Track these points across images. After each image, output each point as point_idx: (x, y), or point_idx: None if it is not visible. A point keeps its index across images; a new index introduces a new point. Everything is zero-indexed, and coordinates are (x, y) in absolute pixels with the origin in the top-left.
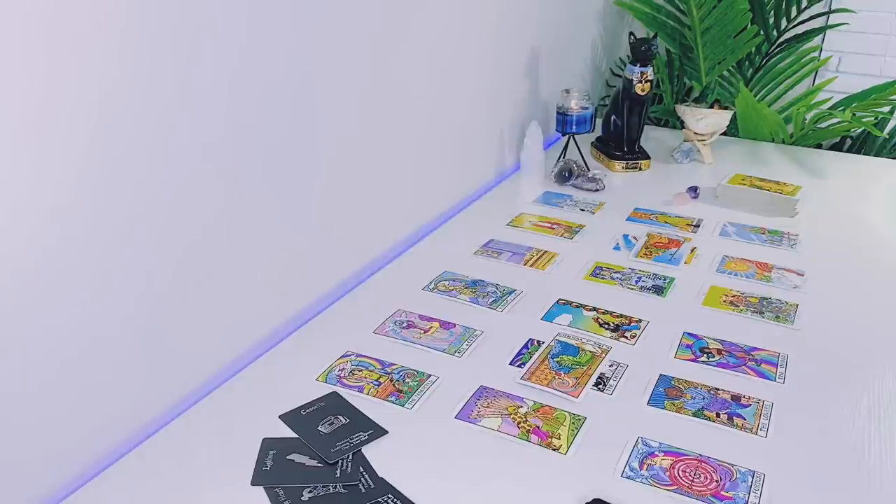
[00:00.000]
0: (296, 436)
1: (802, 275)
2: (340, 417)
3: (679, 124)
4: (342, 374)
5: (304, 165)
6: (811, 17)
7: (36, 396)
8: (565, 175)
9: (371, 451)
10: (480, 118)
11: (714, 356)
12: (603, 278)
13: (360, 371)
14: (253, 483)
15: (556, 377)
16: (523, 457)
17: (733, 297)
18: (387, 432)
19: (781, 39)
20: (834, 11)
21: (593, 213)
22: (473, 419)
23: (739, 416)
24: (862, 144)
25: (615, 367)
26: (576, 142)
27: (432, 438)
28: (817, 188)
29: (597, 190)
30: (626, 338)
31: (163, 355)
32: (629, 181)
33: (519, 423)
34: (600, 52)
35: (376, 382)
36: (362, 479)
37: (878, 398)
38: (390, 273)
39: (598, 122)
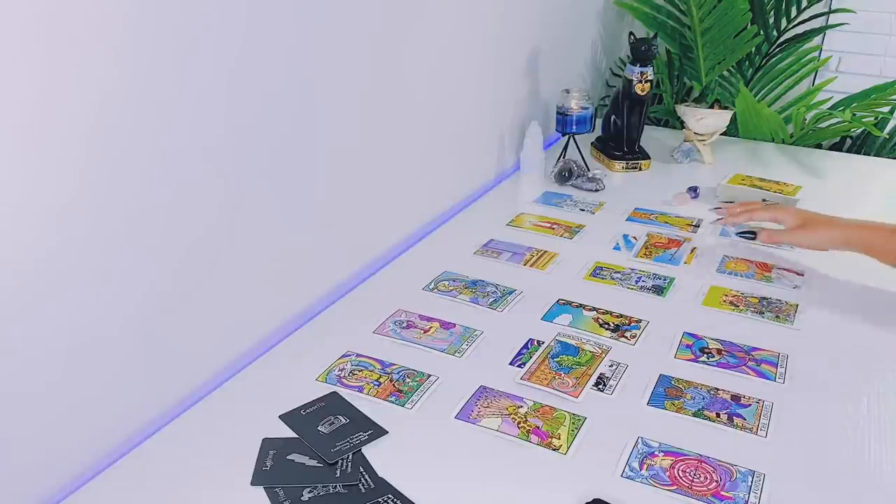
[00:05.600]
0: (296, 436)
1: (802, 275)
2: (340, 417)
3: (679, 124)
4: (342, 374)
5: (305, 165)
6: (811, 17)
7: (36, 396)
8: (565, 175)
9: (371, 451)
10: (480, 118)
11: (714, 356)
12: (603, 278)
13: (360, 371)
14: (253, 483)
15: (556, 377)
16: (523, 457)
17: (733, 297)
18: (387, 432)
19: (781, 39)
20: (834, 11)
21: (593, 213)
22: (473, 419)
23: (739, 416)
24: (862, 144)
25: (615, 367)
26: (576, 142)
27: (432, 438)
28: (817, 188)
29: (597, 190)
30: (626, 338)
31: (163, 355)
32: (629, 181)
33: (519, 423)
34: (600, 52)
35: (376, 382)
36: (362, 479)
37: (878, 398)
38: (390, 273)
39: (598, 122)
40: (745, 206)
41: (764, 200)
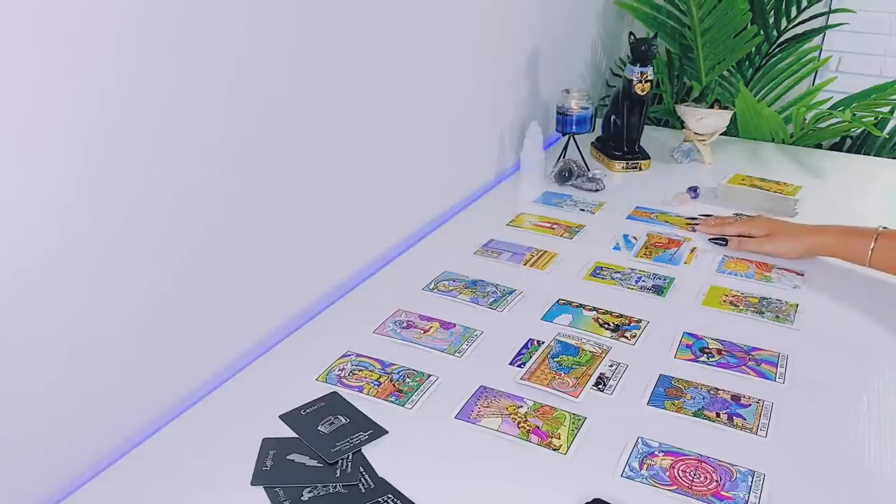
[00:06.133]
0: (296, 436)
1: (802, 275)
2: (340, 417)
3: (679, 124)
4: (342, 374)
5: (305, 165)
6: (811, 17)
7: (36, 396)
8: (565, 175)
9: (371, 451)
10: (481, 118)
11: (714, 356)
12: (603, 278)
13: (360, 371)
14: (253, 483)
15: (556, 377)
16: (523, 457)
17: (733, 297)
18: (387, 432)
19: (781, 39)
20: (834, 11)
21: (593, 213)
22: (473, 419)
23: (739, 416)
24: (862, 144)
25: (615, 367)
26: (576, 142)
27: (432, 438)
28: (817, 188)
29: (597, 190)
30: (626, 338)
31: (163, 355)
32: (629, 181)
33: (519, 423)
34: (600, 52)
35: (376, 382)
36: (362, 479)
37: (878, 398)
38: (390, 273)
39: (598, 122)
40: (719, 220)
41: (737, 215)
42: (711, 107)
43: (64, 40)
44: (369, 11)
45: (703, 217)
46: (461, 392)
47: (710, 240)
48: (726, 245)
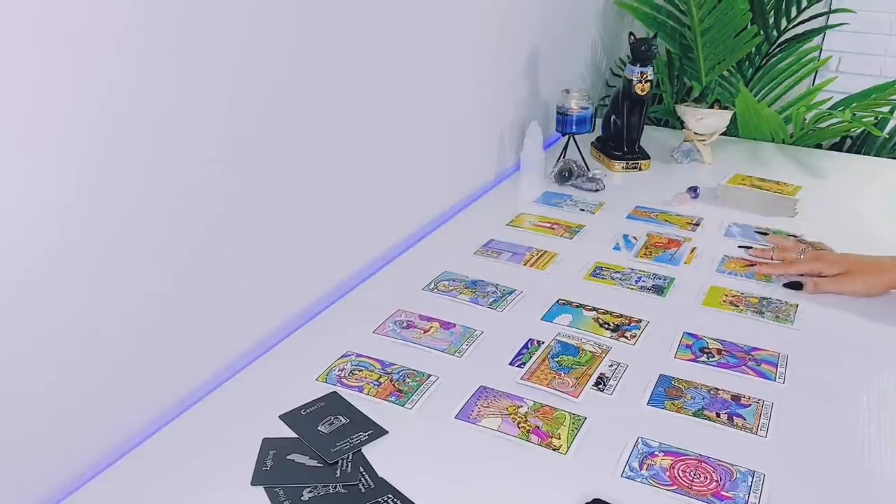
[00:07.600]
0: (296, 436)
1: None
2: (340, 417)
3: (679, 124)
4: (342, 374)
5: (305, 165)
6: (811, 17)
7: (36, 396)
8: (565, 175)
9: (371, 451)
10: (481, 118)
11: (714, 356)
12: (603, 278)
13: (360, 371)
14: (253, 483)
15: (556, 377)
16: (523, 457)
17: (733, 297)
18: (387, 432)
19: (781, 39)
20: (834, 11)
21: (593, 213)
22: (473, 419)
23: (739, 416)
24: (862, 144)
25: (615, 367)
26: (576, 142)
27: (432, 438)
28: (817, 188)
29: (597, 190)
30: (626, 338)
31: (163, 355)
32: (629, 181)
33: (519, 423)
34: (600, 52)
35: (376, 382)
36: (362, 479)
37: (878, 398)
38: (390, 273)
39: (598, 122)
40: (783, 256)
41: (795, 236)
42: (711, 107)
43: (64, 40)
44: (369, 11)
45: (761, 248)
46: (461, 392)
47: (784, 285)
48: (802, 290)
